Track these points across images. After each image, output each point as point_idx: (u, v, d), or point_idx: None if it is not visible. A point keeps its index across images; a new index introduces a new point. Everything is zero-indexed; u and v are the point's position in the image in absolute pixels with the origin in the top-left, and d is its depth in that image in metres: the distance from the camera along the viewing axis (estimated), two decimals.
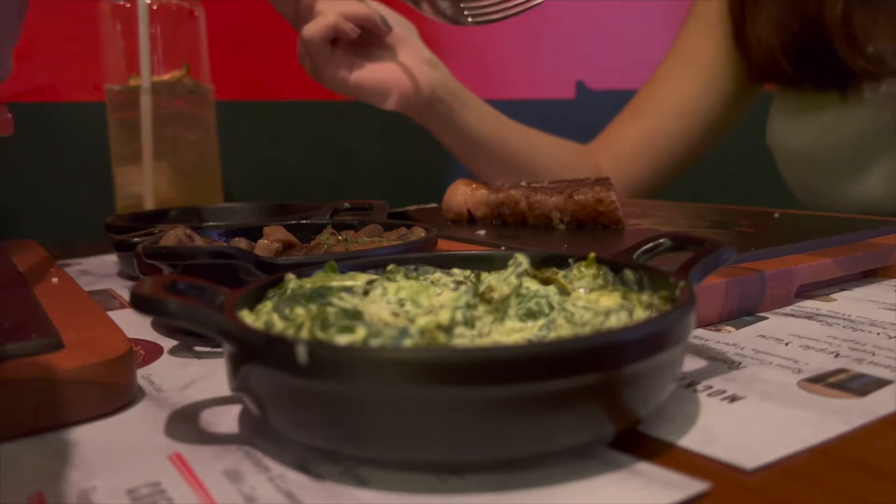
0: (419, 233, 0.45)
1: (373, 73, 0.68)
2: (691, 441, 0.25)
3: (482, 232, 0.56)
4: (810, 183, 0.80)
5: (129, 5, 0.69)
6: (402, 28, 0.70)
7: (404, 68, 0.70)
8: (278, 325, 0.25)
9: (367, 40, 0.68)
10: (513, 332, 0.26)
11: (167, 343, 0.38)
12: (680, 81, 0.86)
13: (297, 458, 0.24)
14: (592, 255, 0.31)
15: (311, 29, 0.64)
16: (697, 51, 0.85)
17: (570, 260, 0.32)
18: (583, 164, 0.84)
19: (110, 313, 0.42)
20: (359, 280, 0.30)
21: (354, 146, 1.04)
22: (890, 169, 0.73)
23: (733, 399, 0.28)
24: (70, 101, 0.86)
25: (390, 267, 0.32)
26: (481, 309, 0.27)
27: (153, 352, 0.37)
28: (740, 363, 0.32)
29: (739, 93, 0.85)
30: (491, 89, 1.09)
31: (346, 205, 0.59)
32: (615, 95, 1.01)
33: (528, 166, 0.80)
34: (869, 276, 0.48)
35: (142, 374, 0.33)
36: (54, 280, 0.45)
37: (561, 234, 0.54)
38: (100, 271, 0.59)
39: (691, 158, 0.88)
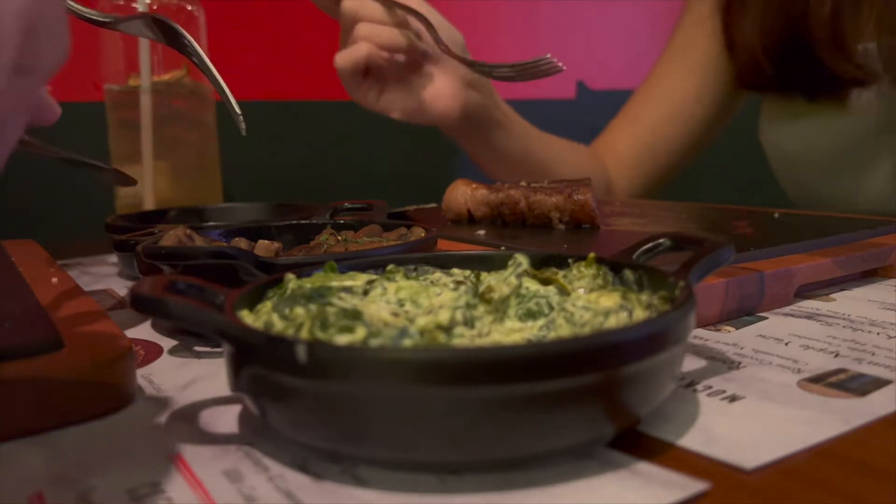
0: (419, 233, 0.45)
1: (400, 100, 0.67)
2: (691, 441, 0.25)
3: (482, 232, 0.56)
4: (803, 183, 0.80)
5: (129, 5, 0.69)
6: (449, 42, 0.66)
7: (438, 92, 0.69)
8: (278, 325, 0.25)
9: (406, 64, 0.68)
10: (512, 332, 0.26)
11: (167, 343, 0.38)
12: (674, 83, 0.85)
13: (297, 458, 0.24)
14: (592, 255, 0.31)
15: (343, 59, 0.63)
16: (690, 50, 0.84)
17: (570, 260, 0.32)
18: (595, 168, 0.84)
19: (110, 313, 0.42)
20: (358, 280, 0.30)
21: (355, 146, 1.04)
22: (886, 171, 0.73)
23: (733, 399, 0.28)
24: (70, 101, 0.86)
25: (390, 267, 0.32)
26: (481, 309, 0.27)
27: (153, 352, 0.37)
28: (740, 363, 0.32)
29: (732, 93, 0.85)
30: None
31: (346, 205, 0.59)
32: (615, 95, 1.01)
33: (547, 173, 0.80)
34: (869, 276, 0.48)
35: (142, 374, 0.33)
36: (54, 280, 0.45)
37: (560, 234, 0.54)
38: (100, 271, 0.59)
39: (689, 159, 0.88)
